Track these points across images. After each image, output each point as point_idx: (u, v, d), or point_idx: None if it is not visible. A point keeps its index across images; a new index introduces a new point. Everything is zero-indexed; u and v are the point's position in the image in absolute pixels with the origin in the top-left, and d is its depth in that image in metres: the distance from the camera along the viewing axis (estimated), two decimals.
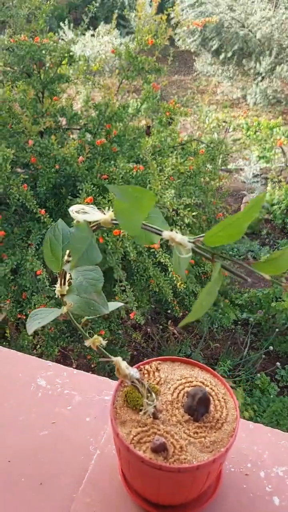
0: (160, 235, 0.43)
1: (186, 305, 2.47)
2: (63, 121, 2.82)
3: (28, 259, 2.17)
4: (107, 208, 0.46)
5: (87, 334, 0.57)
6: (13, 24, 2.93)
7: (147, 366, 0.63)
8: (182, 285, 2.22)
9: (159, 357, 0.63)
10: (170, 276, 2.22)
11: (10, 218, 2.38)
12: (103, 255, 2.28)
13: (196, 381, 0.60)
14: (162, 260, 2.12)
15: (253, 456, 0.66)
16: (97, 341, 0.56)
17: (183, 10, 4.76)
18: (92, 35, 4.83)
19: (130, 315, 2.21)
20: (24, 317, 2.49)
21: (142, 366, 0.63)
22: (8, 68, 2.77)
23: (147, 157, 2.48)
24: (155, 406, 0.56)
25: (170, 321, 3.06)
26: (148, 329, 3.07)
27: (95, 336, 0.56)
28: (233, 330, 2.94)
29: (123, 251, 2.18)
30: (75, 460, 0.64)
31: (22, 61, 2.69)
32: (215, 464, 0.53)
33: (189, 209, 2.25)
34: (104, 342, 0.56)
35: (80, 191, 2.19)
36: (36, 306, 2.23)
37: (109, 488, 0.61)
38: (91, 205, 0.48)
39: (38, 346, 2.46)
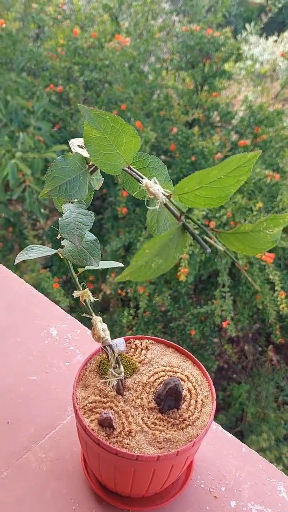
0: (140, 182, 0.38)
1: None
2: (216, 117, 2.79)
3: (140, 239, 2.20)
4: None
5: (79, 286, 0.54)
6: (191, 13, 2.96)
7: (137, 341, 0.58)
8: (286, 308, 2.07)
9: (154, 337, 0.58)
10: (276, 295, 2.08)
11: (136, 198, 2.44)
12: (213, 256, 2.22)
13: (181, 374, 0.54)
14: (271, 277, 1.99)
15: (232, 482, 0.57)
16: (86, 295, 0.53)
17: None
18: (275, 41, 4.71)
19: (223, 323, 2.12)
20: (124, 294, 2.55)
21: (132, 340, 0.58)
22: (175, 56, 2.82)
23: (287, 167, 2.35)
24: (121, 380, 0.51)
25: (271, 345, 2.88)
26: (246, 347, 2.93)
27: (86, 289, 0.53)
28: None
29: (233, 256, 2.09)
30: (49, 414, 0.62)
31: (190, 51, 2.71)
32: (161, 463, 0.47)
33: None
34: (92, 299, 0.53)
35: None
36: (137, 286, 2.26)
37: (66, 451, 0.58)
38: None
39: (134, 328, 2.51)
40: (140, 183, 0.38)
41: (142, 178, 0.38)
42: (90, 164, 0.44)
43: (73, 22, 2.79)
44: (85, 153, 0.43)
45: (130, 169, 0.39)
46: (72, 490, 0.55)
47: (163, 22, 2.92)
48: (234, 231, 0.34)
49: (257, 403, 2.34)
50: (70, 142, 0.44)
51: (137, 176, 0.39)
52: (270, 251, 2.07)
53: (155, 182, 0.37)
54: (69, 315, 0.76)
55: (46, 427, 0.61)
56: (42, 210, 2.44)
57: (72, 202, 0.49)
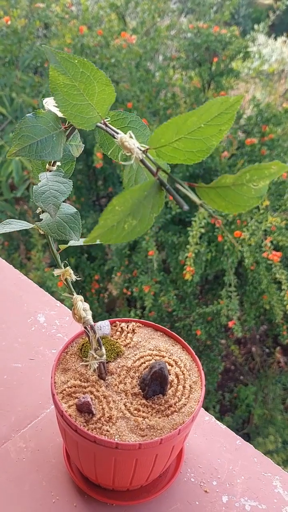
0: (114, 138, 0.35)
1: None
2: None
3: (145, 238, 2.17)
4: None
5: (61, 264, 0.51)
6: (198, 11, 2.94)
7: (123, 324, 0.54)
8: None
9: (141, 320, 0.54)
10: (283, 295, 2.03)
11: None
12: (219, 255, 2.18)
13: (169, 358, 0.50)
14: (278, 276, 1.94)
15: (224, 476, 0.53)
16: (67, 273, 0.50)
17: None
18: (284, 42, 4.68)
19: (229, 323, 2.08)
20: (130, 294, 2.52)
21: (118, 322, 0.55)
22: (182, 55, 2.80)
23: None
24: (103, 364, 0.48)
25: (279, 347, 2.83)
26: (253, 349, 2.89)
27: (67, 268, 0.50)
28: None
29: (240, 255, 2.05)
30: (32, 403, 0.59)
31: (197, 49, 2.69)
32: (143, 452, 0.43)
33: None
34: (74, 277, 0.50)
35: None
36: (143, 285, 2.22)
37: (48, 442, 0.55)
38: None
39: None
40: (115, 138, 0.34)
41: (118, 133, 0.35)
42: (66, 125, 0.41)
43: (80, 22, 2.78)
44: (57, 111, 0.40)
45: (106, 125, 0.36)
46: (52, 482, 0.51)
47: (170, 20, 2.90)
48: (214, 185, 0.30)
49: (264, 405, 2.29)
50: (44, 101, 0.41)
51: (112, 131, 0.35)
52: (276, 250, 2.02)
53: (131, 137, 0.33)
54: (59, 302, 0.73)
55: (28, 416, 0.58)
56: None
57: (50, 171, 0.46)
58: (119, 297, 2.61)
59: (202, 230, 1.96)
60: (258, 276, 2.10)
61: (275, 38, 4.88)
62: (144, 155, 0.33)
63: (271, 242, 1.96)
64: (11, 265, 0.79)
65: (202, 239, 2.07)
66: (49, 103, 0.41)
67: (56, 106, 0.35)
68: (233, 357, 2.83)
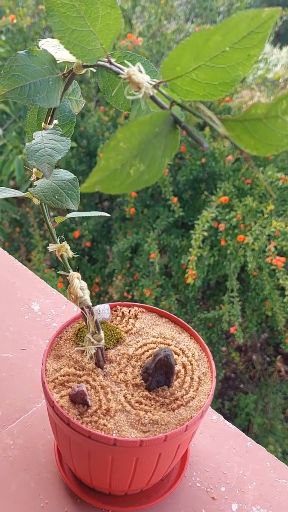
0: (121, 74, 0.30)
1: None
2: None
3: (147, 241, 2.13)
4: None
5: (57, 239, 0.45)
6: (205, 16, 2.92)
7: (125, 309, 0.49)
8: None
9: (145, 305, 0.49)
10: (286, 301, 1.98)
11: (145, 199, 2.38)
12: (222, 260, 2.13)
13: (175, 346, 0.45)
14: (281, 282, 1.89)
15: (234, 481, 0.47)
16: (63, 249, 0.44)
17: None
18: None
19: (231, 329, 2.03)
20: (130, 297, 2.47)
21: (119, 307, 0.49)
22: None
23: None
24: (101, 350, 0.42)
25: (280, 356, 2.77)
26: (253, 357, 2.83)
27: (64, 243, 0.45)
28: None
29: (243, 260, 2.00)
30: (22, 396, 0.53)
31: None
32: (145, 450, 0.37)
33: None
34: (71, 253, 0.44)
35: (218, 189, 2.08)
36: (144, 289, 2.18)
37: (39, 439, 0.49)
38: None
39: None
40: (121, 74, 0.29)
41: (123, 69, 0.30)
42: (64, 72, 0.36)
43: None
44: (59, 54, 0.35)
45: (110, 62, 0.31)
46: (41, 484, 0.46)
47: (177, 24, 2.88)
48: (242, 117, 0.25)
49: (264, 414, 2.23)
50: (40, 43, 0.36)
51: (117, 69, 0.30)
52: (280, 255, 1.98)
53: (140, 70, 0.28)
54: (55, 290, 0.68)
55: (17, 410, 0.52)
56: (51, 213, 2.37)
57: (45, 129, 0.41)
58: (120, 301, 2.56)
59: (205, 234, 1.92)
60: (261, 282, 2.06)
61: (280, 48, 4.87)
62: (156, 90, 0.28)
63: (275, 247, 1.92)
64: (5, 251, 0.74)
65: (205, 243, 2.03)
66: (46, 45, 0.36)
67: (53, 33, 0.30)
68: (234, 364, 2.77)
